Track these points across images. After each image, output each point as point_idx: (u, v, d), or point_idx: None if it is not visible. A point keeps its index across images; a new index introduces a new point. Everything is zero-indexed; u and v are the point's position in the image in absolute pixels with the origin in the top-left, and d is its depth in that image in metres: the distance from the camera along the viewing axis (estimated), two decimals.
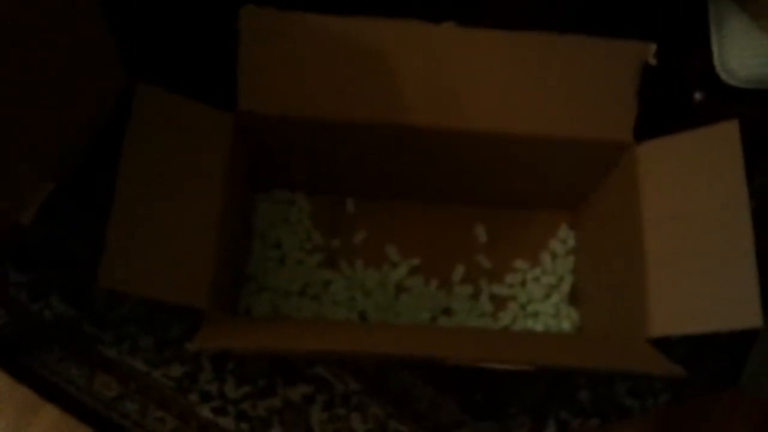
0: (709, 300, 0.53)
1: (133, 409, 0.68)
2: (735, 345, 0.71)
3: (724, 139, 0.56)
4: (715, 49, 0.60)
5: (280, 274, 0.69)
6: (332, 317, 0.68)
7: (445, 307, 0.70)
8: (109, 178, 0.54)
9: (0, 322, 0.69)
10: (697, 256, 0.55)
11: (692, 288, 0.54)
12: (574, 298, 0.71)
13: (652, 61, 0.57)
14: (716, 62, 0.60)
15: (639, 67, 0.58)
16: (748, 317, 0.51)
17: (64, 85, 0.49)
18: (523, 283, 0.72)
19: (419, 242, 0.73)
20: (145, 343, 0.69)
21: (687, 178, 0.57)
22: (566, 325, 0.69)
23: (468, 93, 0.59)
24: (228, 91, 0.58)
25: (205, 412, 0.68)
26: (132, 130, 0.54)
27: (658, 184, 0.58)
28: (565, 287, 0.72)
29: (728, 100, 0.62)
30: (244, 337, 0.53)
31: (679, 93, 0.65)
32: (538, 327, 0.69)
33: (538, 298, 0.71)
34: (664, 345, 0.65)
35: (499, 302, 0.71)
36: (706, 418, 0.70)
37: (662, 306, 0.55)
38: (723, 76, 0.60)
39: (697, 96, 0.63)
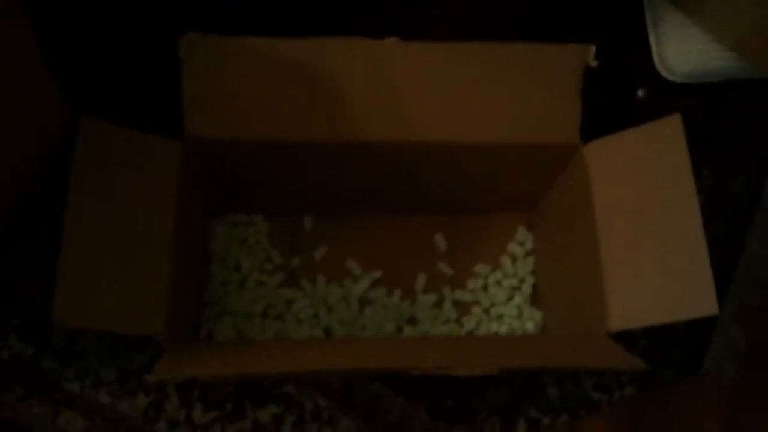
0: (665, 292, 0.54)
1: None
2: (696, 333, 0.73)
3: (668, 134, 0.57)
4: (653, 47, 0.62)
5: (241, 297, 0.69)
6: (296, 336, 0.68)
7: (410, 317, 0.71)
8: (60, 214, 0.53)
9: None
10: (650, 249, 0.56)
11: (648, 281, 0.55)
12: (536, 298, 0.72)
13: (593, 63, 0.58)
14: (655, 60, 0.61)
15: (581, 70, 0.59)
16: (705, 306, 0.52)
17: (3, 129, 0.49)
18: (485, 288, 0.72)
19: (380, 254, 0.73)
20: (108, 376, 0.68)
21: (635, 174, 0.58)
22: (530, 326, 0.70)
23: (416, 106, 0.60)
24: (175, 120, 0.58)
25: None
26: (77, 164, 0.54)
27: (608, 181, 0.59)
28: (527, 288, 0.72)
29: (671, 94, 0.64)
30: (206, 364, 0.52)
31: (622, 91, 0.66)
32: (503, 330, 0.70)
33: (501, 301, 0.72)
34: (627, 339, 0.66)
35: (463, 308, 0.71)
36: (674, 405, 0.71)
37: (620, 301, 0.56)
38: (663, 73, 0.61)
39: (640, 93, 0.64)
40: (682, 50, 0.61)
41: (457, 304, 0.72)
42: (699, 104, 0.64)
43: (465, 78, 0.59)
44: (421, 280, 0.72)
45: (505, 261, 0.73)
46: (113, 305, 0.52)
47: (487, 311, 0.72)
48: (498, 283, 0.72)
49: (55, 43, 0.53)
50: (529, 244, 0.74)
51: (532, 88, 0.60)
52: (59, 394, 0.67)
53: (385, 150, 0.61)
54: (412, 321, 0.71)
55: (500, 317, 0.71)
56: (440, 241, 0.74)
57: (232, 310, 0.68)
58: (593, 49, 0.58)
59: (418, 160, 0.63)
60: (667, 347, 0.72)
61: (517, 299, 0.72)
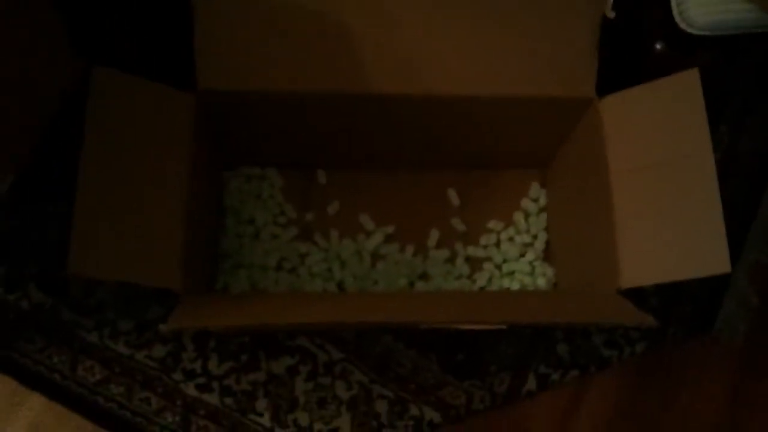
0: (678, 249, 0.54)
1: (118, 392, 0.68)
2: (708, 292, 0.73)
3: (685, 89, 0.56)
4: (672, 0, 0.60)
5: (255, 250, 0.69)
6: (310, 289, 0.69)
7: (422, 272, 0.71)
8: (74, 165, 0.53)
9: None
10: (664, 205, 0.56)
11: (661, 238, 0.55)
12: (549, 255, 0.72)
13: (610, 14, 0.57)
14: (674, 11, 0.60)
15: (597, 22, 0.58)
16: (718, 264, 0.52)
17: (14, 79, 0.49)
18: (498, 244, 0.72)
19: (393, 210, 0.73)
20: (126, 327, 0.69)
21: (651, 130, 0.58)
22: (542, 283, 0.70)
23: (428, 58, 0.59)
24: (188, 71, 0.58)
25: (190, 389, 0.68)
26: (91, 114, 0.54)
27: (623, 137, 0.59)
28: (540, 245, 0.72)
29: (689, 48, 0.62)
30: (220, 315, 0.53)
31: (640, 45, 0.65)
32: (515, 286, 0.70)
33: (513, 258, 0.72)
34: (638, 296, 0.66)
35: (475, 264, 0.72)
36: (684, 364, 0.71)
37: (632, 257, 0.56)
38: (682, 25, 0.60)
39: (658, 46, 0.63)
40: (703, 1, 0.59)
41: (469, 259, 0.72)
42: (717, 59, 0.63)
43: (478, 30, 0.59)
44: (433, 236, 0.72)
45: (518, 217, 0.73)
46: (129, 256, 0.52)
47: (499, 267, 0.72)
48: (511, 239, 0.72)
49: None
50: (542, 201, 0.74)
51: (547, 40, 0.59)
52: (78, 344, 0.69)
53: (397, 103, 0.61)
54: (424, 276, 0.71)
55: (512, 273, 0.71)
56: (453, 197, 0.74)
57: (247, 262, 0.69)
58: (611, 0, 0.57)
59: (430, 114, 0.63)
60: (679, 306, 0.72)
61: (530, 255, 0.72)
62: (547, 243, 0.73)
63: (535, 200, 0.74)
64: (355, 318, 0.53)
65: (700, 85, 0.55)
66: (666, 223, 0.55)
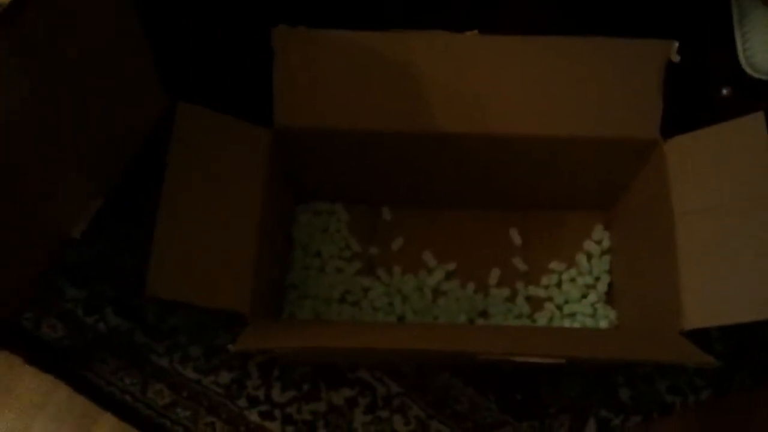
0: (740, 291, 0.54)
1: (184, 415, 0.70)
2: None
3: (749, 132, 0.56)
4: (738, 43, 0.61)
5: (320, 282, 0.72)
6: (371, 322, 0.70)
7: (482, 310, 0.72)
8: (155, 194, 0.57)
9: (57, 336, 0.72)
10: (728, 247, 0.55)
11: (724, 279, 0.55)
12: (611, 298, 0.72)
13: (675, 58, 0.58)
14: (740, 57, 0.61)
15: (662, 65, 0.59)
16: None
17: (110, 110, 0.53)
18: (559, 284, 0.73)
19: (455, 248, 0.74)
20: (195, 352, 0.72)
21: (715, 172, 0.58)
22: (604, 325, 0.70)
23: (495, 98, 0.61)
24: (266, 108, 0.61)
25: (253, 416, 0.70)
26: (174, 147, 0.57)
27: (687, 179, 0.59)
28: (602, 287, 0.72)
29: (755, 94, 0.63)
30: (284, 338, 0.55)
31: (705, 89, 0.65)
32: (576, 326, 0.70)
33: (575, 299, 0.72)
34: (703, 342, 0.65)
35: (536, 303, 0.72)
36: (751, 412, 0.69)
37: (695, 299, 0.56)
38: (748, 70, 0.61)
39: (724, 91, 0.63)
40: None
41: (530, 299, 0.72)
42: None
43: (544, 71, 0.61)
44: (494, 274, 0.73)
45: (581, 259, 0.73)
46: (203, 281, 0.55)
47: (560, 308, 0.72)
48: (572, 280, 0.73)
49: (156, 33, 0.57)
50: (606, 243, 0.74)
51: (612, 82, 0.60)
52: (149, 368, 0.72)
53: (463, 142, 0.63)
54: (484, 314, 0.72)
55: (573, 315, 0.71)
56: (515, 237, 0.74)
57: (312, 294, 0.71)
58: (676, 44, 0.58)
59: (494, 153, 0.65)
60: (747, 352, 0.70)
61: (592, 297, 0.72)
62: (610, 285, 0.72)
63: (599, 242, 0.74)
64: (411, 345, 0.54)
65: (765, 128, 0.55)
66: (729, 265, 0.55)
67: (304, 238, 0.74)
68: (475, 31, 0.60)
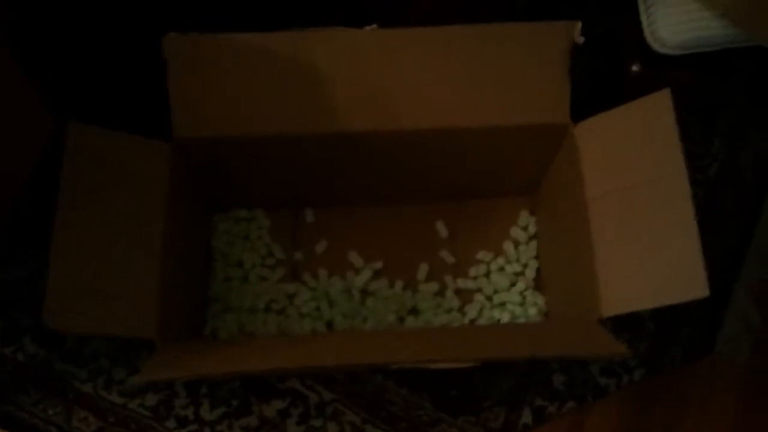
0: (656, 275, 0.53)
1: None
2: (707, 313, 0.71)
3: (657, 110, 0.55)
4: (643, 19, 0.60)
5: (243, 293, 0.69)
6: (298, 330, 0.68)
7: (412, 307, 0.70)
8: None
9: None
10: (641, 230, 0.55)
11: (638, 264, 0.54)
12: (540, 283, 0.71)
13: (579, 40, 0.57)
14: (646, 32, 0.60)
15: (568, 48, 0.58)
16: (695, 289, 0.51)
17: None
18: (488, 275, 0.72)
19: (382, 245, 0.73)
20: (119, 375, 0.69)
21: (625, 153, 0.57)
22: (533, 312, 0.69)
23: (400, 93, 0.59)
24: (164, 120, 0.59)
25: None
26: (67, 167, 0.55)
27: (598, 161, 0.58)
28: (531, 274, 0.71)
29: (665, 67, 0.62)
30: (194, 365, 0.53)
31: (617, 66, 0.64)
32: (505, 317, 0.69)
33: (504, 288, 0.71)
34: (635, 321, 0.64)
35: (466, 296, 0.71)
36: (686, 388, 0.69)
37: (611, 285, 0.55)
38: (654, 45, 0.60)
39: (634, 67, 0.63)
40: (673, 20, 0.59)
41: (459, 292, 0.71)
42: (694, 76, 0.62)
43: (449, 62, 0.59)
44: (423, 270, 0.72)
45: (508, 246, 0.72)
46: (103, 308, 0.53)
47: (489, 298, 0.71)
48: (501, 269, 0.72)
49: (39, 51, 0.54)
50: (532, 228, 0.73)
51: (518, 69, 0.59)
52: (72, 395, 0.69)
53: (375, 139, 0.61)
54: (414, 311, 0.70)
55: (503, 304, 0.70)
56: (441, 229, 0.73)
57: (235, 305, 0.69)
58: (579, 25, 0.56)
59: (410, 148, 0.63)
60: (678, 328, 0.70)
61: (520, 285, 0.71)
62: (539, 271, 0.72)
63: (525, 228, 0.73)
64: (318, 362, 0.52)
65: (671, 106, 0.54)
66: (642, 249, 0.54)
67: (224, 248, 0.71)
68: (375, 26, 0.58)
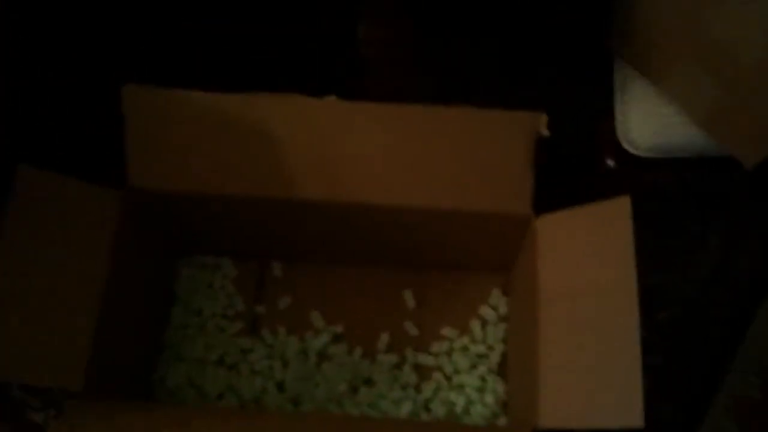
0: (594, 395, 0.50)
1: None
2: (678, 427, 0.66)
3: (616, 215, 0.52)
4: (618, 116, 0.56)
5: (196, 343, 0.69)
6: (248, 388, 0.67)
7: (367, 377, 0.68)
8: None
9: None
10: (585, 345, 0.51)
11: (579, 380, 0.51)
12: (505, 369, 0.68)
13: (545, 132, 0.54)
14: (618, 131, 0.56)
15: (532, 138, 0.55)
16: (631, 416, 0.48)
17: None
18: (450, 353, 0.69)
19: (345, 308, 0.71)
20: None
21: (580, 256, 0.54)
22: (490, 400, 0.66)
23: (355, 166, 0.58)
24: (119, 169, 0.59)
25: None
26: (12, 210, 0.55)
27: (555, 260, 0.55)
28: (495, 357, 0.68)
29: (639, 167, 0.58)
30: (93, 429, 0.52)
31: (593, 160, 0.61)
32: (461, 401, 0.66)
33: (464, 369, 0.68)
34: None
35: (424, 372, 0.68)
36: None
37: (551, 395, 0.52)
38: (624, 144, 0.56)
39: (609, 162, 0.59)
40: (646, 122, 0.55)
41: (418, 368, 0.69)
42: (668, 178, 0.58)
43: (407, 140, 0.57)
44: (383, 339, 0.69)
45: (475, 326, 0.69)
46: (35, 357, 0.53)
47: (449, 378, 0.68)
48: (464, 348, 0.69)
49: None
50: (503, 309, 0.70)
51: (479, 155, 0.56)
52: (23, 424, 0.70)
53: (329, 209, 0.59)
54: (368, 382, 0.68)
55: (461, 386, 0.67)
56: (408, 299, 0.71)
57: (187, 355, 0.68)
58: (545, 118, 0.54)
59: (365, 220, 0.61)
60: None
61: (482, 368, 0.68)
62: (505, 356, 0.68)
63: (495, 308, 0.70)
64: None
65: (629, 213, 0.51)
66: (584, 365, 0.51)
67: (185, 294, 0.71)
68: (333, 96, 0.56)
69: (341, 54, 0.64)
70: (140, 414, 0.54)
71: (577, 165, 0.61)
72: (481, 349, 0.68)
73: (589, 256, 0.53)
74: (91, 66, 0.72)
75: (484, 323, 0.69)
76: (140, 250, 0.63)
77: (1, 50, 0.63)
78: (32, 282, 0.55)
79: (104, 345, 0.56)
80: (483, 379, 0.67)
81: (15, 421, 0.70)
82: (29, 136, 0.69)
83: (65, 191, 0.57)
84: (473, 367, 0.68)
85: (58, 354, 0.54)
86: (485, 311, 0.70)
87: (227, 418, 0.57)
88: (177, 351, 0.69)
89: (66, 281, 0.56)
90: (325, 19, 0.61)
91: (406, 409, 0.65)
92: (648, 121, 0.55)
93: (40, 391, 0.70)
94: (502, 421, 0.65)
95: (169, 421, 0.53)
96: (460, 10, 0.62)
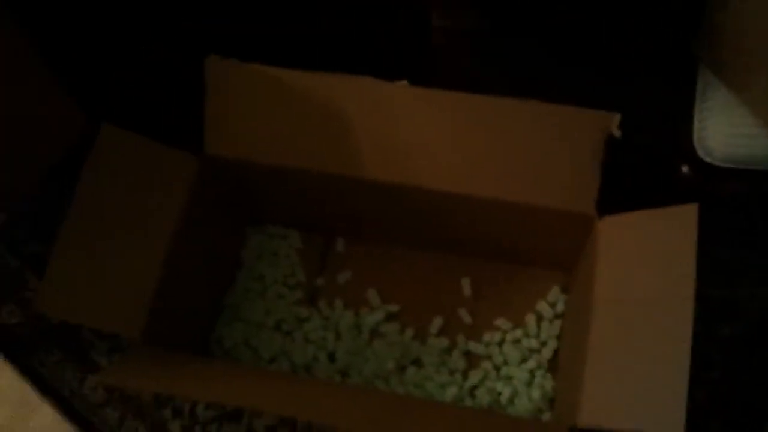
0: (636, 400, 0.49)
1: (112, 416, 0.72)
2: None
3: (681, 223, 0.51)
4: (696, 122, 0.55)
5: (256, 307, 0.71)
6: (300, 355, 0.69)
7: (416, 358, 0.69)
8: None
9: (14, 322, 0.76)
10: (634, 350, 0.51)
11: (623, 383, 0.50)
12: (556, 366, 0.68)
13: (617, 133, 0.53)
14: (695, 136, 0.54)
15: (602, 138, 0.54)
16: (671, 427, 0.47)
17: (10, 132, 0.54)
18: (501, 344, 0.69)
19: (402, 289, 0.72)
20: None
21: (640, 260, 0.53)
22: (536, 396, 0.66)
23: (424, 152, 0.58)
24: (195, 135, 0.61)
25: (175, 428, 0.71)
26: (90, 166, 0.58)
27: (614, 262, 0.54)
28: (547, 353, 0.68)
29: (713, 176, 0.56)
30: (145, 379, 0.55)
31: (666, 165, 0.59)
32: (507, 392, 0.67)
33: (514, 362, 0.68)
34: None
35: (473, 360, 0.69)
36: None
37: (593, 396, 0.52)
38: (700, 152, 0.54)
39: (684, 169, 0.57)
40: (725, 131, 0.53)
41: (468, 354, 0.69)
42: (744, 189, 0.56)
43: (476, 130, 0.57)
44: (436, 323, 0.70)
45: (530, 320, 0.69)
46: (95, 301, 0.56)
47: (497, 369, 0.68)
48: (516, 341, 0.69)
49: (86, 55, 0.57)
50: (560, 307, 0.69)
51: (546, 150, 0.56)
52: (89, 365, 0.74)
53: (394, 191, 0.60)
54: (417, 363, 0.69)
55: (509, 378, 0.68)
56: (466, 286, 0.71)
57: (246, 317, 0.71)
58: (617, 117, 0.53)
59: (429, 206, 0.62)
60: None
61: (532, 363, 0.68)
62: (557, 353, 0.68)
63: (553, 305, 0.69)
64: (266, 407, 0.53)
65: (695, 222, 0.50)
66: (632, 368, 0.50)
67: (250, 260, 0.73)
68: (405, 82, 0.57)
69: (415, 41, 0.65)
70: (194, 366, 0.56)
71: (649, 168, 0.60)
72: (533, 343, 0.68)
73: (649, 263, 0.52)
74: (177, 34, 0.74)
75: (540, 318, 0.69)
76: (211, 214, 0.65)
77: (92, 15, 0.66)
78: (105, 233, 0.58)
79: (167, 299, 0.59)
80: (532, 373, 0.67)
81: (80, 361, 0.74)
82: (116, 99, 0.73)
83: (144, 152, 0.60)
84: (523, 360, 0.68)
85: (123, 303, 0.57)
86: (542, 307, 0.69)
87: (277, 380, 0.59)
88: (237, 313, 0.71)
89: (136, 236, 0.59)
90: (400, 7, 0.61)
91: (451, 393, 0.66)
92: (726, 130, 0.53)
93: (108, 336, 0.74)
94: (546, 417, 0.65)
95: (221, 376, 0.56)
96: (535, 9, 0.61)
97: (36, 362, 0.75)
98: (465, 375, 0.68)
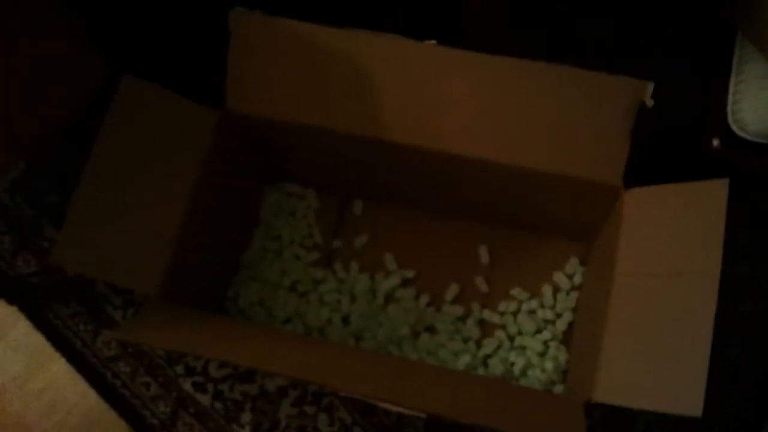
0: (656, 378, 0.48)
1: (125, 371, 0.72)
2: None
3: (710, 198, 0.50)
4: (730, 95, 0.53)
5: (273, 266, 0.71)
6: (315, 317, 0.69)
7: (430, 325, 0.69)
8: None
9: (29, 271, 0.76)
10: (655, 327, 0.50)
11: (642, 361, 0.50)
12: (570, 338, 0.67)
13: (649, 102, 0.52)
14: (728, 110, 0.53)
15: (634, 107, 0.53)
16: (689, 405, 0.46)
17: (31, 78, 0.53)
18: (516, 314, 0.68)
19: (419, 254, 0.71)
20: None
21: (666, 234, 0.52)
22: (549, 367, 0.65)
23: (448, 115, 0.57)
24: (217, 89, 0.60)
25: (187, 385, 0.71)
26: (110, 116, 0.57)
27: (638, 235, 0.53)
28: (562, 325, 0.67)
29: (745, 150, 0.55)
30: (160, 336, 0.55)
31: (697, 137, 0.58)
32: (520, 362, 0.66)
33: (529, 332, 0.67)
34: (627, 416, 0.59)
35: (487, 329, 0.68)
36: None
37: (610, 373, 0.51)
38: (733, 126, 0.53)
39: (714, 142, 0.56)
40: (759, 105, 0.52)
41: (482, 323, 0.69)
42: None
43: (503, 94, 0.56)
44: (452, 290, 0.70)
45: (546, 290, 0.68)
46: (113, 256, 0.55)
47: (511, 338, 0.68)
48: (532, 312, 0.68)
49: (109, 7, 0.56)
50: (578, 279, 0.68)
51: (576, 117, 0.55)
52: (103, 318, 0.74)
53: (416, 154, 0.59)
54: (431, 330, 0.69)
55: (523, 348, 0.67)
56: (483, 254, 0.70)
57: (261, 277, 0.71)
58: (650, 86, 0.51)
59: (452, 170, 0.61)
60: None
61: (546, 334, 0.67)
62: (571, 325, 0.67)
63: (570, 276, 0.69)
64: (278, 370, 0.52)
65: (725, 198, 0.48)
66: (651, 347, 0.49)
67: (268, 218, 0.73)
68: (434, 42, 0.55)
69: (448, 1, 0.63)
70: (209, 324, 0.56)
71: (680, 140, 0.59)
72: (549, 314, 0.68)
73: (675, 237, 0.51)
74: None
75: (557, 289, 0.69)
76: (229, 170, 0.64)
77: None
78: (123, 187, 0.57)
79: (184, 256, 0.59)
80: (546, 344, 0.67)
81: (94, 314, 0.74)
82: (137, 49, 0.72)
83: (165, 105, 0.59)
84: (538, 331, 0.67)
85: (140, 259, 0.56)
86: (559, 278, 0.69)
87: (291, 342, 0.58)
88: (253, 272, 0.71)
89: (155, 191, 0.58)
90: None
91: (464, 361, 0.66)
92: (761, 104, 0.51)
93: (123, 290, 0.74)
94: (558, 389, 0.64)
95: (236, 336, 0.56)
96: None
97: (51, 314, 0.75)
98: (479, 344, 0.68)
